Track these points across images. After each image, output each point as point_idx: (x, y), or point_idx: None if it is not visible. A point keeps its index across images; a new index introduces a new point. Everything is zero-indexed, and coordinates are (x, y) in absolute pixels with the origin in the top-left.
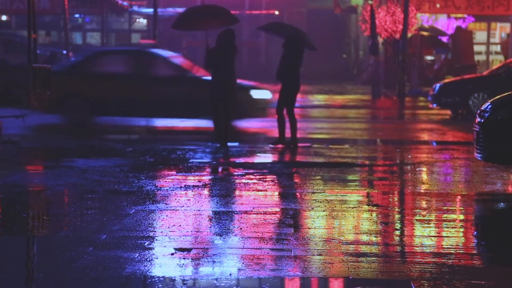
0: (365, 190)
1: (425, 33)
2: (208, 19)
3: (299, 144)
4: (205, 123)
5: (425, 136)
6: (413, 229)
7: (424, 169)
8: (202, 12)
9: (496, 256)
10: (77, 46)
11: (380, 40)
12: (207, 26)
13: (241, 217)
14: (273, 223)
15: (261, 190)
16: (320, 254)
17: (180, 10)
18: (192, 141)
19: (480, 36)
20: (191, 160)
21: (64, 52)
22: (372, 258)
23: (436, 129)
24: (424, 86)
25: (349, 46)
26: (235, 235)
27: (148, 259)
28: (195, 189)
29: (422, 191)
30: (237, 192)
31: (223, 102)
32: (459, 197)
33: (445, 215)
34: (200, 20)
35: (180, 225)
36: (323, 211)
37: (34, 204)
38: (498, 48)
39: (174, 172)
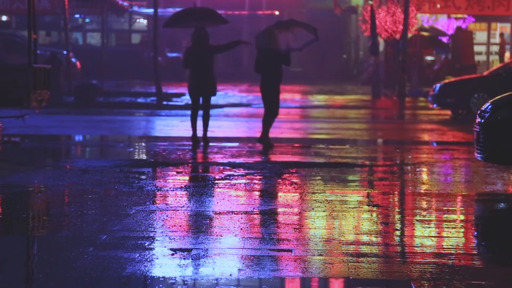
0: (365, 190)
1: (425, 33)
2: (198, 20)
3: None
4: None
5: (425, 136)
6: (413, 229)
7: (424, 169)
8: (193, 13)
9: (496, 256)
10: (77, 46)
11: (380, 40)
12: (196, 25)
13: (241, 217)
14: (273, 223)
15: (261, 190)
16: (320, 255)
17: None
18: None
19: (480, 36)
20: (190, 160)
21: (64, 52)
22: (372, 258)
23: (436, 129)
24: (424, 86)
25: (349, 46)
26: (235, 235)
27: (148, 259)
28: (193, 189)
29: (422, 191)
30: (237, 192)
31: (203, 99)
32: (459, 197)
33: (445, 216)
34: (190, 19)
35: (180, 225)
36: (323, 211)
37: (34, 204)
38: (498, 48)
39: (170, 172)
